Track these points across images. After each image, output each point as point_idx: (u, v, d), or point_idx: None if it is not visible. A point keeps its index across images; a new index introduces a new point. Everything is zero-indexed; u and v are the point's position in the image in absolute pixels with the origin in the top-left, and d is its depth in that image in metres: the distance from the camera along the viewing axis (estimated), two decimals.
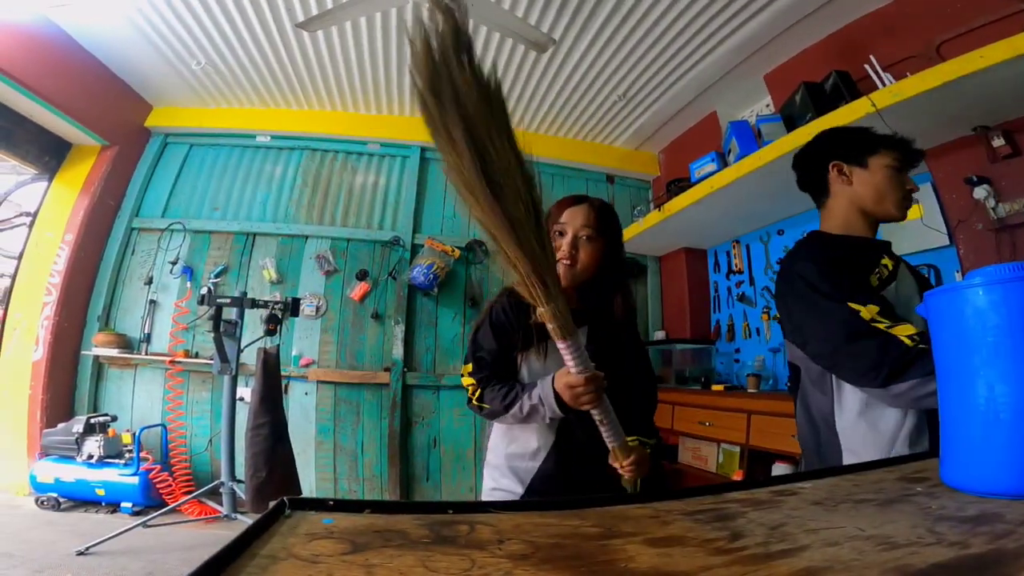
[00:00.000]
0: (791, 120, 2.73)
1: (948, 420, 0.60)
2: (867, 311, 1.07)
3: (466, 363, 1.31)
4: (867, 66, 2.47)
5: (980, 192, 2.27)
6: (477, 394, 1.25)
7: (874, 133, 1.30)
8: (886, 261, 1.22)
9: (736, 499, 0.61)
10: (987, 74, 1.92)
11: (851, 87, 2.48)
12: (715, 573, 0.39)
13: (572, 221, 1.26)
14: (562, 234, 1.26)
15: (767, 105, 3.48)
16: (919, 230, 2.61)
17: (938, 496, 0.56)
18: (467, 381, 1.28)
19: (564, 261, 1.23)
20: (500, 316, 1.28)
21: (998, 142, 2.25)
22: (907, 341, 1.01)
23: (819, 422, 1.20)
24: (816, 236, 1.29)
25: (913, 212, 2.61)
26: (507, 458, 1.29)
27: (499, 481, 1.28)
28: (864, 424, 1.12)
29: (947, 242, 2.50)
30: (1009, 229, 2.23)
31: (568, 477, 1.24)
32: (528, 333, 1.21)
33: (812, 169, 1.36)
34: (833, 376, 1.16)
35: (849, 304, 1.08)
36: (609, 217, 1.30)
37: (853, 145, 1.29)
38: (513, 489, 1.25)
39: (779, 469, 2.62)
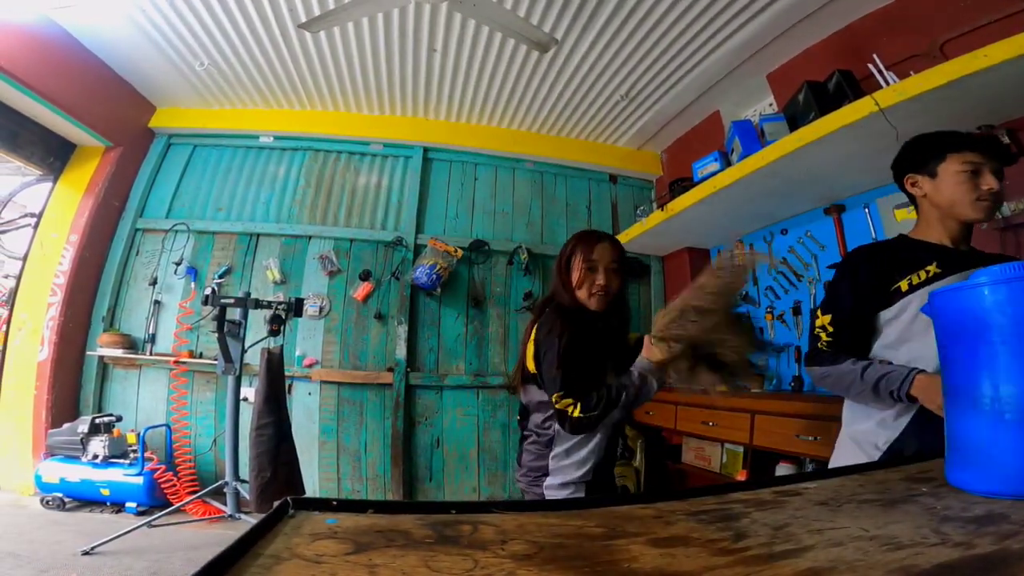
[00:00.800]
0: (794, 119, 2.72)
1: (953, 420, 0.59)
2: (821, 320, 1.35)
3: (563, 393, 1.40)
4: (870, 65, 2.45)
5: None
6: (576, 409, 1.37)
7: (947, 137, 1.35)
8: (932, 267, 1.27)
9: (740, 499, 0.61)
10: (991, 73, 1.91)
11: (854, 86, 2.47)
12: (718, 573, 0.39)
13: (602, 257, 1.53)
14: (592, 269, 1.52)
15: (770, 104, 3.47)
16: None
17: (943, 497, 0.56)
18: (565, 403, 1.39)
19: (600, 293, 1.52)
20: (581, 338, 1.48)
21: (1003, 141, 2.24)
22: (821, 346, 1.35)
23: None
24: (857, 248, 1.45)
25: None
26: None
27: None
28: None
29: None
30: (1014, 228, 2.22)
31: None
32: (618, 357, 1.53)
33: (898, 182, 1.46)
34: None
35: (819, 312, 1.37)
36: (623, 251, 1.61)
37: (922, 154, 1.37)
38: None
39: (783, 469, 2.61)
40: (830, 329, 1.33)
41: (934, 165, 1.33)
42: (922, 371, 1.17)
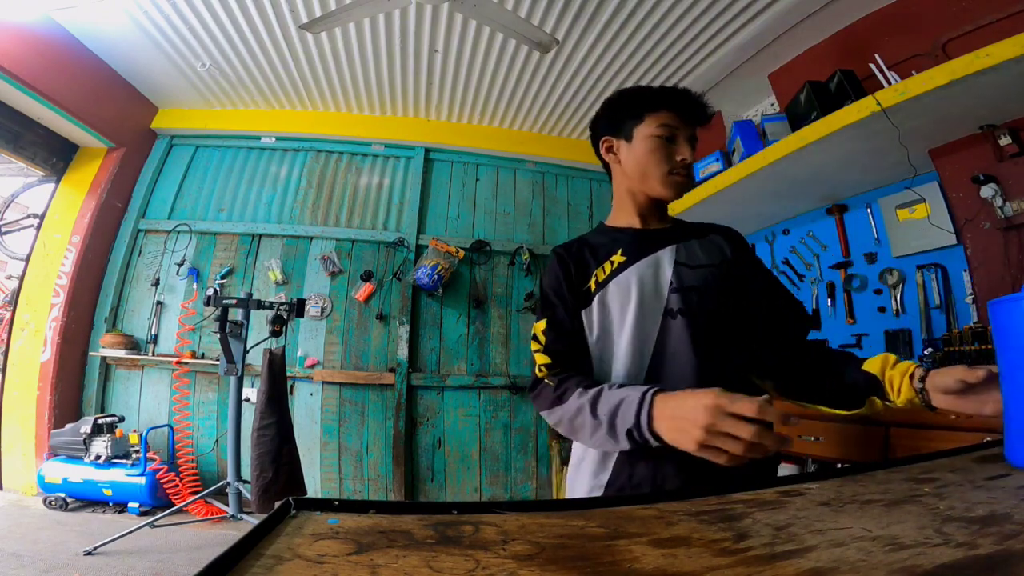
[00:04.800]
0: (796, 119, 2.72)
1: (1014, 408, 0.66)
2: (536, 328, 1.06)
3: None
4: (872, 65, 2.45)
5: (987, 191, 2.26)
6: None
7: (643, 94, 1.11)
8: (616, 257, 1.06)
9: (742, 499, 0.61)
10: (993, 72, 1.91)
11: (856, 86, 2.47)
12: (720, 574, 0.39)
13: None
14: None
15: (772, 104, 3.47)
16: (926, 229, 2.59)
17: (946, 497, 0.56)
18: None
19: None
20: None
21: (1005, 140, 2.24)
22: (538, 370, 1.02)
23: None
24: (553, 251, 1.15)
25: (920, 211, 2.61)
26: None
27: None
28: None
29: (954, 241, 2.49)
30: (1017, 228, 2.21)
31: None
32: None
33: (596, 148, 1.19)
34: None
35: (536, 322, 1.07)
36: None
37: (621, 114, 1.11)
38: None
39: (785, 470, 2.61)
40: (541, 340, 1.03)
41: (631, 126, 1.09)
42: (660, 389, 0.84)
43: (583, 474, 1.03)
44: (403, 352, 3.89)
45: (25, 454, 3.42)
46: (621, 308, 1.02)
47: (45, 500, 3.15)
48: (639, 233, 1.12)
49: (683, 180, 1.07)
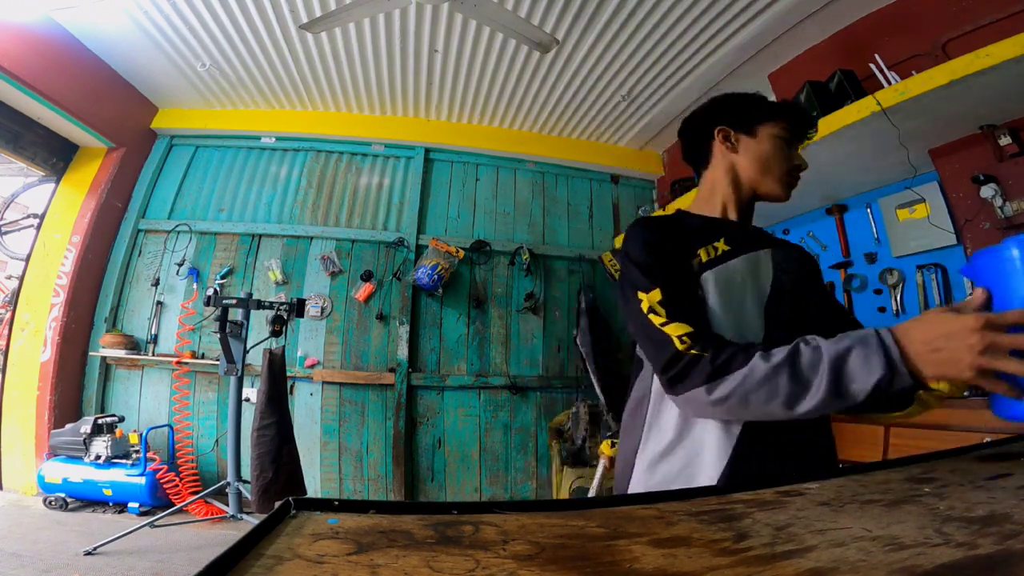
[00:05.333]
0: None
1: None
2: (647, 299, 0.89)
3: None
4: (872, 65, 2.46)
5: (987, 191, 2.26)
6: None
7: (767, 101, 1.15)
8: (720, 243, 1.01)
9: (741, 500, 0.60)
10: (993, 72, 1.91)
11: (856, 86, 2.47)
12: (720, 574, 0.39)
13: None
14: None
15: None
16: (926, 229, 2.60)
17: (946, 497, 0.56)
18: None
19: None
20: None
21: (1005, 140, 2.24)
22: (677, 343, 0.83)
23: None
24: (639, 222, 1.05)
25: (920, 211, 2.61)
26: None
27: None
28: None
29: (954, 241, 2.49)
30: (1016, 228, 2.21)
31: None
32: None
33: (697, 135, 1.18)
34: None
35: (638, 293, 0.91)
36: None
37: (744, 111, 1.14)
38: None
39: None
40: (661, 311, 0.87)
41: (755, 124, 1.10)
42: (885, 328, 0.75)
43: (680, 465, 0.92)
44: (403, 352, 3.89)
45: (25, 454, 3.42)
46: (730, 298, 0.95)
47: (45, 500, 3.15)
48: (738, 227, 1.09)
49: (795, 184, 1.11)
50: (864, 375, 0.69)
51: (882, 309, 2.84)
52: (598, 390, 3.87)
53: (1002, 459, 0.72)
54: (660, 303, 0.89)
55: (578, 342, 4.07)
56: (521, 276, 4.24)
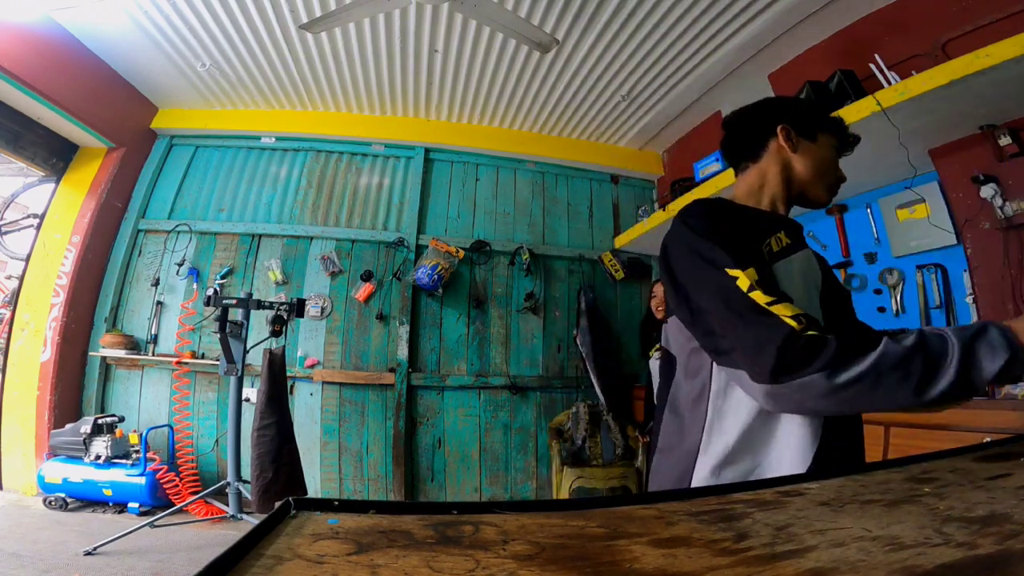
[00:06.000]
0: None
1: None
2: (745, 277, 0.82)
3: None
4: (872, 65, 2.45)
5: (987, 191, 2.26)
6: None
7: (827, 112, 1.22)
8: (782, 236, 1.00)
9: (741, 500, 0.60)
10: (993, 72, 1.91)
11: (856, 86, 2.47)
12: (720, 574, 0.39)
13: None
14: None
15: None
16: (926, 229, 2.59)
17: (946, 497, 0.56)
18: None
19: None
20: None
21: (1005, 140, 2.24)
22: (792, 323, 0.77)
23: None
24: (703, 201, 1.02)
25: (920, 211, 2.61)
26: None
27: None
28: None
29: (954, 241, 2.49)
30: (1016, 228, 2.21)
31: None
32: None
33: (755, 127, 1.15)
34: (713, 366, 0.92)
35: (727, 270, 0.84)
36: None
37: (809, 116, 1.18)
38: None
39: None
40: (761, 293, 0.81)
41: (818, 131, 1.15)
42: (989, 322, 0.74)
43: (762, 455, 0.88)
44: (403, 352, 3.89)
45: (25, 454, 3.42)
46: (798, 292, 0.89)
47: (45, 500, 3.15)
48: (791, 223, 1.10)
49: (836, 194, 1.17)
50: (990, 361, 0.70)
51: (882, 309, 2.83)
52: (598, 390, 3.87)
53: (1002, 459, 0.72)
54: (758, 283, 0.81)
55: (578, 342, 4.07)
56: (521, 276, 4.24)
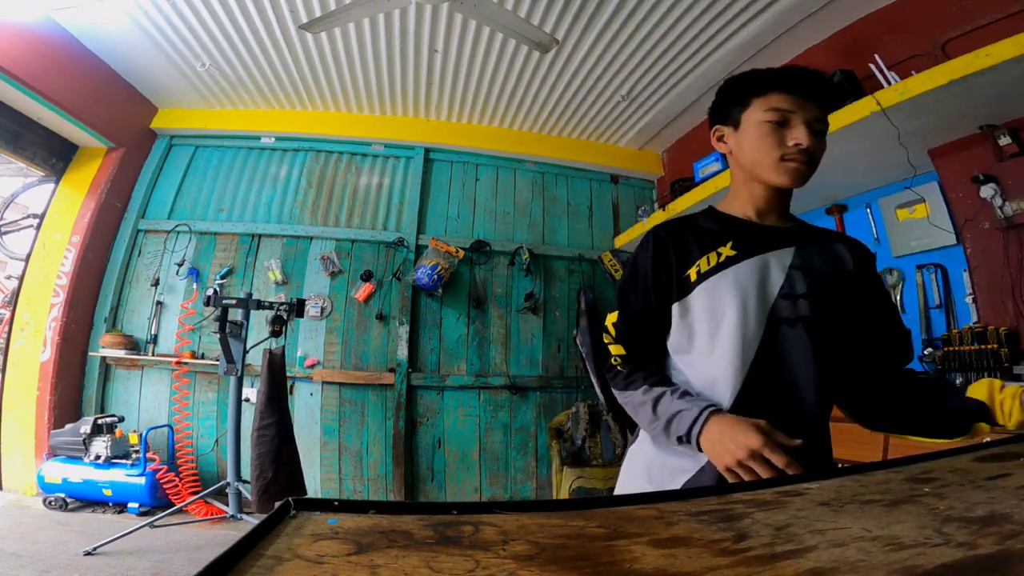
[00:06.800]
0: None
1: None
2: (610, 318, 1.08)
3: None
4: (872, 65, 2.45)
5: (987, 191, 2.26)
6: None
7: (750, 77, 1.05)
8: (725, 249, 1.01)
9: (741, 499, 0.60)
10: (993, 72, 1.91)
11: (856, 86, 2.47)
12: (720, 574, 0.39)
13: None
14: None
15: None
16: (926, 229, 2.60)
17: (946, 497, 0.56)
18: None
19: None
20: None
21: (1005, 140, 2.24)
22: (616, 359, 1.06)
23: None
24: (654, 230, 1.09)
25: (919, 211, 2.61)
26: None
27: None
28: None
29: (954, 241, 2.49)
30: (1016, 228, 2.21)
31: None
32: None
33: (713, 138, 1.14)
34: None
35: (608, 314, 1.10)
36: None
37: (726, 102, 1.07)
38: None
39: None
40: (612, 332, 1.06)
41: (738, 112, 1.04)
42: (717, 409, 0.90)
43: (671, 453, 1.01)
44: (403, 352, 3.89)
45: (25, 454, 3.42)
46: (722, 307, 0.97)
47: (45, 500, 3.15)
48: (754, 227, 1.05)
49: (799, 166, 0.98)
50: (675, 432, 0.93)
51: None
52: (598, 390, 3.86)
53: (1002, 459, 0.72)
54: (614, 324, 1.08)
55: (578, 342, 4.07)
56: (521, 276, 4.24)
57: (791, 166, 0.98)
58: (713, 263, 1.00)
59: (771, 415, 0.88)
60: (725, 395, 0.96)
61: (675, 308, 1.02)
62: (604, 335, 1.08)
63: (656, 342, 1.06)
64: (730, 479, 0.85)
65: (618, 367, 1.05)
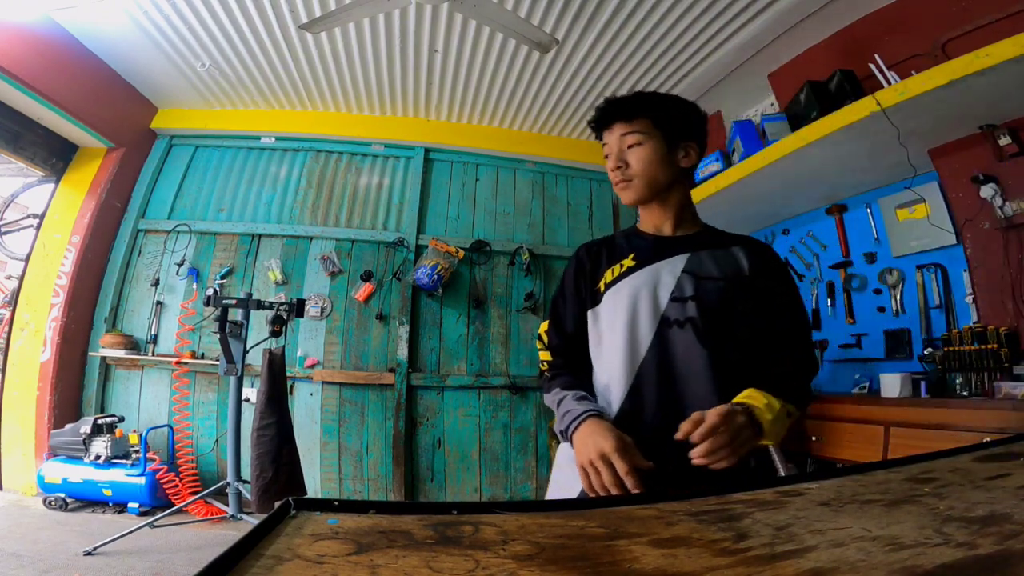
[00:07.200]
0: (796, 119, 2.72)
1: None
2: (543, 326, 1.26)
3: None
4: (872, 65, 2.46)
5: (987, 191, 2.26)
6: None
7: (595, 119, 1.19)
8: (627, 261, 1.12)
9: (741, 500, 0.60)
10: (993, 72, 1.91)
11: (856, 86, 2.47)
12: (720, 574, 0.39)
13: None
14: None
15: (771, 104, 3.47)
16: (926, 229, 2.60)
17: (946, 497, 0.56)
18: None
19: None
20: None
21: (1004, 140, 2.24)
22: (544, 364, 1.22)
23: None
24: (578, 249, 1.25)
25: (919, 211, 2.61)
26: None
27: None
28: None
29: (954, 241, 2.49)
30: (1017, 228, 2.21)
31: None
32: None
33: None
34: None
35: (542, 323, 1.27)
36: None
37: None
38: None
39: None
40: (544, 340, 1.20)
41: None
42: (595, 414, 0.99)
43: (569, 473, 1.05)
44: (403, 352, 3.89)
45: (25, 454, 3.42)
46: (617, 313, 1.08)
47: (45, 500, 3.14)
48: (657, 239, 1.16)
49: (621, 187, 1.13)
50: (560, 429, 1.04)
51: (882, 309, 2.84)
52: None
53: (1002, 459, 0.72)
54: (546, 332, 1.23)
55: None
56: (521, 276, 4.24)
57: (618, 189, 1.15)
58: (616, 274, 1.12)
59: (659, 414, 0.99)
60: (617, 396, 1.05)
61: (589, 316, 1.14)
62: (537, 342, 1.27)
63: (581, 349, 1.16)
64: (582, 478, 0.93)
65: (545, 371, 1.19)
